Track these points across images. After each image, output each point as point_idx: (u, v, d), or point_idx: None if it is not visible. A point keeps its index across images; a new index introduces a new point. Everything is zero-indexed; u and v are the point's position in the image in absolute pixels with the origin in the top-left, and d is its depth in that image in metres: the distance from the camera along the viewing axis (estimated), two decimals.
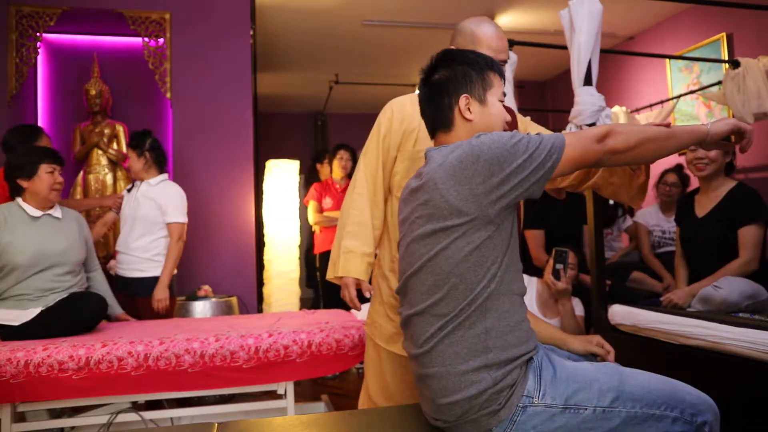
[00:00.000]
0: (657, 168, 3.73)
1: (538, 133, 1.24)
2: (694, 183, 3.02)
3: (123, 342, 1.98)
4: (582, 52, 2.34)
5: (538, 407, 1.21)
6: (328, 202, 4.15)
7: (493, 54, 1.57)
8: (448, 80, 1.36)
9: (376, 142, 1.77)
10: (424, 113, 1.42)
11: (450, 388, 1.22)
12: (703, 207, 2.62)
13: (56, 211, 2.45)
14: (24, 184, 2.36)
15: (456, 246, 1.22)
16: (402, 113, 1.75)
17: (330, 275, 1.80)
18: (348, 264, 1.72)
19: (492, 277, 1.22)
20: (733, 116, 3.72)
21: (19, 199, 2.39)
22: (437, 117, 1.38)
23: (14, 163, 2.38)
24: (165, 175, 3.05)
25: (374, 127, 1.79)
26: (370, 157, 1.77)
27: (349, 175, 4.29)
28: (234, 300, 3.46)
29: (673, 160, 4.54)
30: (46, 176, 2.35)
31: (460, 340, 1.22)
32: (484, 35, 1.61)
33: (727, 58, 4.23)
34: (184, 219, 2.99)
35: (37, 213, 2.37)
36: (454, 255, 1.22)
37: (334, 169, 4.25)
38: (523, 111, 3.42)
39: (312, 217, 4.11)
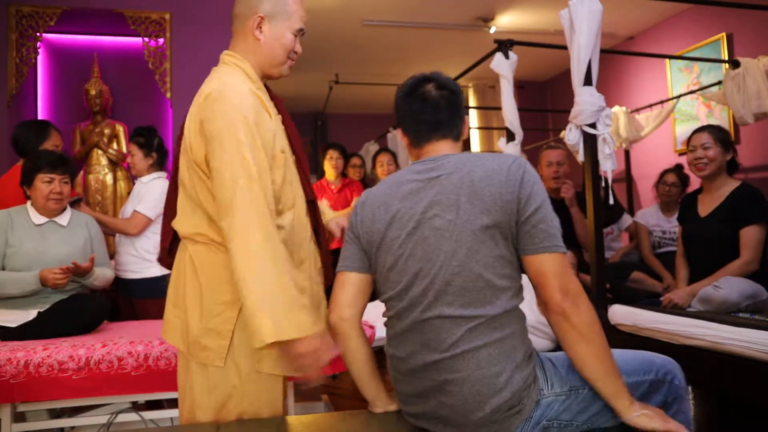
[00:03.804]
0: (657, 168, 3.73)
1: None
2: (694, 183, 3.02)
3: (123, 342, 1.97)
4: (582, 52, 2.34)
5: (549, 398, 1.26)
6: (324, 203, 4.14)
7: (305, 26, 1.49)
8: (461, 98, 1.40)
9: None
10: (434, 115, 1.36)
11: (484, 393, 1.20)
12: (706, 206, 2.62)
13: (62, 218, 2.41)
14: (27, 192, 2.36)
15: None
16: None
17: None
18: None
19: (517, 276, 1.28)
20: (733, 116, 3.72)
21: (28, 203, 2.39)
22: (451, 124, 1.37)
23: (22, 170, 2.38)
24: (160, 173, 3.02)
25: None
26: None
27: (342, 174, 4.29)
28: None
29: (672, 160, 4.54)
30: (42, 186, 2.30)
31: (492, 342, 1.22)
32: (299, 9, 1.48)
33: (727, 58, 4.23)
34: (152, 215, 2.83)
35: (41, 220, 2.36)
36: (484, 258, 1.24)
37: (326, 170, 4.25)
38: (523, 111, 3.43)
39: None
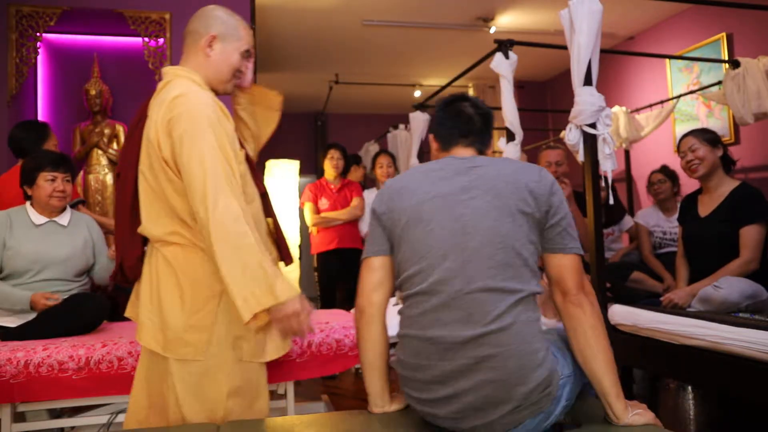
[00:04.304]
0: (647, 169, 3.73)
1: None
2: (686, 181, 3.00)
3: (123, 342, 1.97)
4: (582, 52, 2.34)
5: (566, 379, 1.32)
6: (324, 203, 4.14)
7: (252, 49, 1.63)
8: (492, 121, 1.53)
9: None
10: (466, 126, 1.47)
11: (528, 367, 1.23)
12: (705, 206, 2.63)
13: (63, 218, 2.41)
14: (28, 191, 2.36)
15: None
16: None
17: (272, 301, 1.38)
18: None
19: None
20: (733, 116, 3.72)
21: (27, 204, 2.39)
22: (480, 137, 1.48)
23: (21, 170, 2.38)
24: None
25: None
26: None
27: (341, 174, 4.28)
28: None
29: (672, 160, 4.54)
30: (45, 184, 2.31)
31: (532, 320, 1.28)
32: (247, 34, 1.62)
33: (727, 58, 4.23)
34: None
35: (41, 220, 2.36)
36: (521, 239, 1.31)
37: (326, 169, 4.25)
38: (523, 111, 3.43)
39: (309, 218, 4.11)
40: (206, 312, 1.45)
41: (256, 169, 1.69)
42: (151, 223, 1.50)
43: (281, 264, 1.69)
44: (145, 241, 1.58)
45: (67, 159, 2.44)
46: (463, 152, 1.46)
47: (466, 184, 1.33)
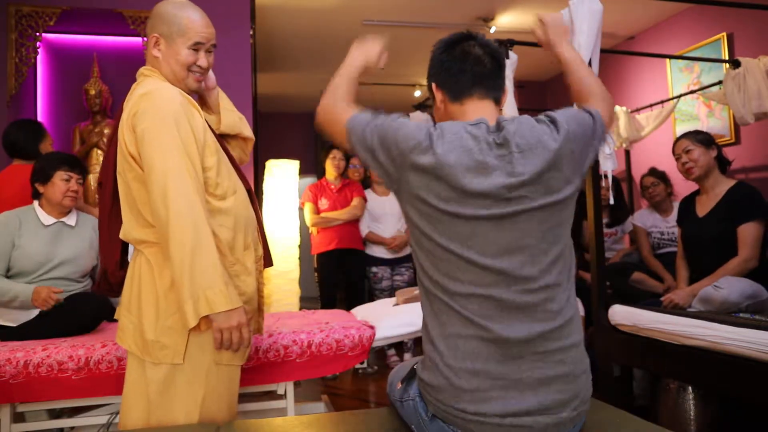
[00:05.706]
0: (640, 171, 3.73)
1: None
2: (677, 179, 2.99)
3: None
4: (582, 52, 2.34)
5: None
6: (324, 203, 4.13)
7: (205, 40, 1.56)
8: (504, 59, 1.30)
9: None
10: (476, 68, 1.25)
11: (585, 359, 1.21)
12: (704, 206, 2.63)
13: (70, 219, 2.44)
14: (40, 188, 2.38)
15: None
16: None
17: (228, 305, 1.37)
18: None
19: None
20: (734, 116, 3.71)
21: (35, 203, 2.40)
22: (494, 81, 1.27)
23: (35, 167, 2.40)
24: None
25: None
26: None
27: (342, 175, 4.28)
28: None
29: (659, 160, 4.54)
30: (60, 183, 2.35)
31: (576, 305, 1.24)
32: (195, 27, 1.55)
33: (727, 58, 4.22)
34: None
35: (49, 221, 2.38)
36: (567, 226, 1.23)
37: (327, 169, 4.24)
38: (523, 111, 3.43)
39: (309, 218, 4.10)
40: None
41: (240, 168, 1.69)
42: (131, 226, 1.50)
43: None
44: (125, 246, 1.60)
45: (80, 162, 2.49)
46: (478, 109, 1.24)
47: (509, 182, 1.13)
